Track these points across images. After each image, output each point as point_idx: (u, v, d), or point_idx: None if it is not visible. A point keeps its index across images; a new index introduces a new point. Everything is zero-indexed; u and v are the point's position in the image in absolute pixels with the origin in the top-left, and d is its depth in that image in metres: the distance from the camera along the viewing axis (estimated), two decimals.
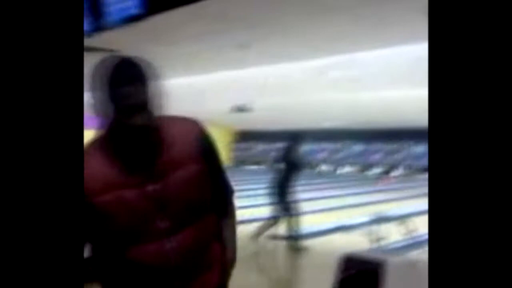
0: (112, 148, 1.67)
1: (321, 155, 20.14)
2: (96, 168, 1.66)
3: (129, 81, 1.63)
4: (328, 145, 20.06)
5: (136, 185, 1.65)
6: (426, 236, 5.39)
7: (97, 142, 1.70)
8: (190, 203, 1.70)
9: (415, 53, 7.22)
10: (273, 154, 21.56)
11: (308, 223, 7.22)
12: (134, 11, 5.74)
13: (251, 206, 8.49)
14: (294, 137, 6.55)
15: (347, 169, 19.51)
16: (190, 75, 9.87)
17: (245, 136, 21.68)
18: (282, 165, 6.47)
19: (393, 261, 2.58)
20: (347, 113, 15.16)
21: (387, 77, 9.24)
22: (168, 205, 1.67)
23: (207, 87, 11.22)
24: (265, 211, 6.67)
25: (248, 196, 9.89)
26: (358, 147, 19.38)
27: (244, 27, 6.09)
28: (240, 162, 21.07)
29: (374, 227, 4.69)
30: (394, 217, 4.75)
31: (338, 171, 19.60)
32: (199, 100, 12.57)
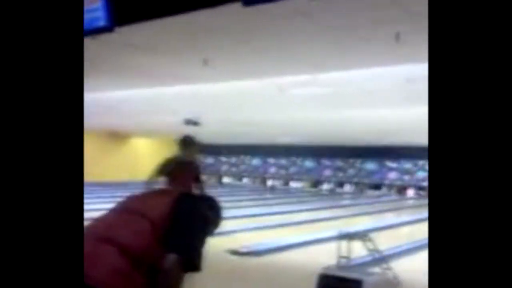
0: None
1: (272, 170, 20.37)
2: None
3: None
4: (280, 161, 20.31)
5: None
6: (388, 252, 5.58)
7: None
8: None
9: (369, 76, 7.50)
10: (223, 167, 21.79)
11: (261, 239, 7.31)
12: (101, 23, 5.73)
13: None
14: None
15: (298, 184, 19.78)
16: (150, 87, 9.85)
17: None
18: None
19: (369, 279, 2.70)
20: (301, 130, 15.41)
21: (342, 97, 9.52)
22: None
23: (163, 100, 11.21)
24: None
25: None
26: (309, 163, 19.68)
27: (208, 43, 6.18)
28: None
29: (336, 243, 4.82)
30: (354, 233, 4.89)
31: (290, 186, 19.84)
32: (154, 111, 12.56)
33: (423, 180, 15.94)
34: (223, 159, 21.25)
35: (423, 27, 4.87)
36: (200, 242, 1.83)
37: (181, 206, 1.83)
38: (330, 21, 5.09)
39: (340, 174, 18.82)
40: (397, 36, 5.44)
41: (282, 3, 3.89)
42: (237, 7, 3.79)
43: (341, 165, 18.71)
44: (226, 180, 21.52)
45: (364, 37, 5.45)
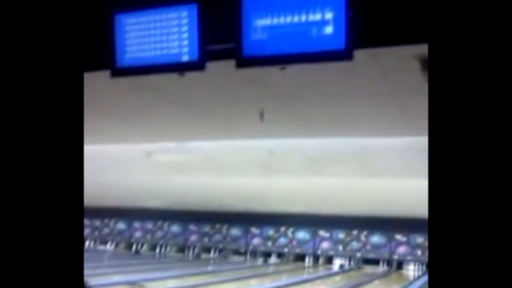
0: None
1: (139, 234, 19.95)
2: None
3: None
4: (147, 225, 19.98)
5: None
6: None
7: None
8: None
9: (236, 147, 7.89)
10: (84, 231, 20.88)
11: None
12: None
13: None
14: None
15: (165, 249, 19.51)
16: None
17: None
18: None
19: None
20: (167, 195, 15.44)
21: (210, 165, 9.81)
22: None
23: None
24: None
25: None
26: (176, 228, 19.57)
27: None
28: None
29: None
30: None
31: (157, 251, 19.50)
32: None
33: (284, 246, 16.47)
34: (85, 221, 20.46)
35: (285, 106, 5.29)
36: None
37: None
38: (197, 100, 5.36)
39: (206, 240, 18.86)
40: (261, 114, 5.84)
41: (145, 78, 4.09)
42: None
43: (208, 230, 18.79)
44: (86, 244, 20.67)
45: (228, 114, 5.81)
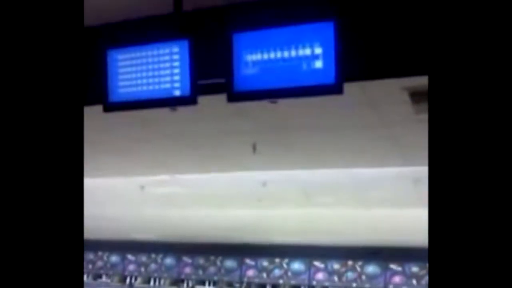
0: None
1: (132, 267, 19.75)
2: None
3: None
4: (141, 257, 19.80)
5: None
6: None
7: None
8: None
9: (228, 179, 7.91)
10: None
11: None
12: None
13: None
14: None
15: (159, 282, 19.30)
16: None
17: None
18: None
19: None
20: (161, 227, 15.38)
21: (204, 197, 9.81)
22: None
23: None
24: None
25: None
26: (170, 260, 19.40)
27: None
28: None
29: None
30: None
31: (151, 284, 19.29)
32: None
33: (279, 277, 16.35)
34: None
35: (278, 138, 5.31)
36: None
37: None
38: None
39: (200, 272, 18.69)
40: (254, 146, 5.88)
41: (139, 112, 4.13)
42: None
43: (202, 262, 18.63)
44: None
45: (220, 146, 5.85)
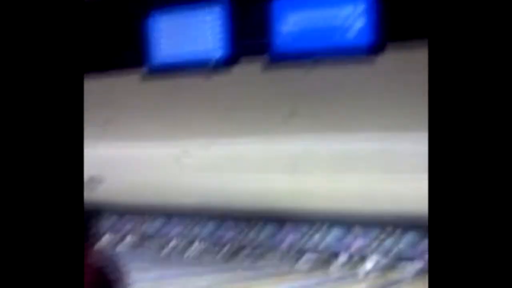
0: None
1: (174, 231, 20.12)
2: None
3: None
4: (181, 223, 20.11)
5: None
6: None
7: None
8: None
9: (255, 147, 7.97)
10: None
11: None
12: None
13: None
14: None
15: (200, 246, 19.59)
16: None
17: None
18: None
19: None
20: (203, 193, 15.59)
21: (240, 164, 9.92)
22: None
23: None
24: None
25: None
26: (210, 227, 19.65)
27: (108, 106, 6.38)
28: None
29: None
30: None
31: (192, 248, 19.59)
32: None
33: (317, 244, 16.42)
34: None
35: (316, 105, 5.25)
36: None
37: None
38: None
39: (241, 237, 18.96)
40: (290, 112, 5.87)
41: None
42: None
43: (242, 228, 18.86)
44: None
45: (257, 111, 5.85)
